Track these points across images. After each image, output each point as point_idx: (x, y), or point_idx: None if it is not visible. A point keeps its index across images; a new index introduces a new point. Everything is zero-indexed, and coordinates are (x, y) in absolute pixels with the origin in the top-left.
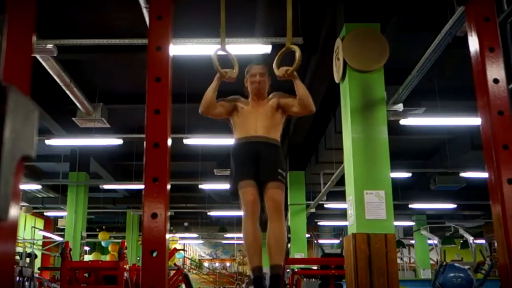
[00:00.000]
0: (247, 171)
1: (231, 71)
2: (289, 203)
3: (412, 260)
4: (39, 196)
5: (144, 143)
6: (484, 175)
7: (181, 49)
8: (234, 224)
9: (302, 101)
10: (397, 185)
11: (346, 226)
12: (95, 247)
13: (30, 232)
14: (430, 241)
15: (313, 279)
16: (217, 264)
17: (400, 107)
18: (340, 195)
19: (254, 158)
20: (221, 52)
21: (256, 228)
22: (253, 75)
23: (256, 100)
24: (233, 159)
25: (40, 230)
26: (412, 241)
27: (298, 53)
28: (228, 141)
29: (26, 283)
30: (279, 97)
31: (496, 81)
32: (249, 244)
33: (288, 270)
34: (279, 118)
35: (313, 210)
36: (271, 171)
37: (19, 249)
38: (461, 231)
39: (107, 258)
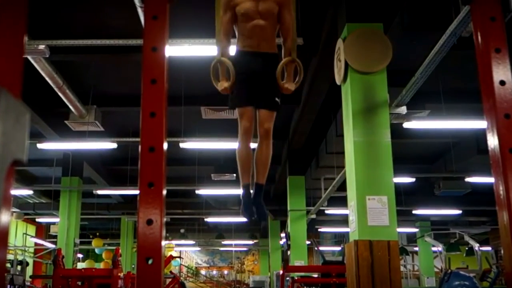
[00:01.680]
0: (247, 97)
1: (225, 83)
2: (288, 209)
3: (415, 268)
4: (31, 201)
5: (139, 147)
6: (490, 180)
7: (177, 50)
8: (231, 231)
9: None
10: (400, 190)
11: (347, 232)
12: (89, 255)
13: (21, 239)
14: (434, 248)
15: None
16: (214, 272)
17: (403, 109)
18: (341, 201)
19: (253, 75)
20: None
21: (249, 149)
22: None
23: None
24: (235, 70)
25: (32, 236)
26: (416, 248)
27: (301, 73)
28: (226, 145)
29: None
30: (281, 2)
31: (502, 83)
32: (242, 163)
33: (287, 278)
34: (276, 20)
35: (313, 216)
36: (268, 101)
37: (10, 257)
38: (467, 238)
39: (101, 265)
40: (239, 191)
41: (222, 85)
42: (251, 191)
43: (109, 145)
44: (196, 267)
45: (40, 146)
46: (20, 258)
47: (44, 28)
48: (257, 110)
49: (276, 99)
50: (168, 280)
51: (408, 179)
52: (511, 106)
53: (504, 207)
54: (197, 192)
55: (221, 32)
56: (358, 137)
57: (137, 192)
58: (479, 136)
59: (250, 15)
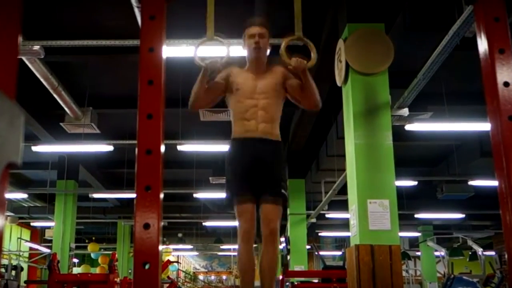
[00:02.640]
0: (244, 187)
1: (213, 60)
2: (288, 212)
3: (418, 273)
4: (25, 205)
5: (136, 149)
6: (494, 183)
7: (174, 50)
8: (230, 235)
9: (311, 95)
10: (402, 193)
11: (348, 237)
12: (84, 259)
13: (15, 243)
14: (437, 253)
15: None
16: (212, 277)
17: (405, 111)
18: (342, 205)
19: (253, 166)
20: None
21: (250, 256)
22: (252, 36)
23: (255, 69)
24: (230, 163)
25: (26, 241)
26: (418, 253)
27: (313, 51)
28: (224, 148)
29: None
30: (285, 74)
31: (506, 84)
32: (243, 273)
33: (287, 284)
34: (281, 97)
35: (313, 220)
36: (271, 189)
37: (4, 262)
38: (470, 242)
39: (97, 270)
40: None
41: (211, 63)
42: None
43: (105, 147)
44: (194, 272)
45: (35, 148)
46: (14, 263)
47: (39, 28)
48: (259, 201)
49: (282, 191)
50: (165, 286)
51: (410, 183)
52: None
53: (508, 211)
54: (195, 195)
55: (202, 85)
56: (359, 139)
57: (134, 195)
58: (483, 139)
59: (246, 93)
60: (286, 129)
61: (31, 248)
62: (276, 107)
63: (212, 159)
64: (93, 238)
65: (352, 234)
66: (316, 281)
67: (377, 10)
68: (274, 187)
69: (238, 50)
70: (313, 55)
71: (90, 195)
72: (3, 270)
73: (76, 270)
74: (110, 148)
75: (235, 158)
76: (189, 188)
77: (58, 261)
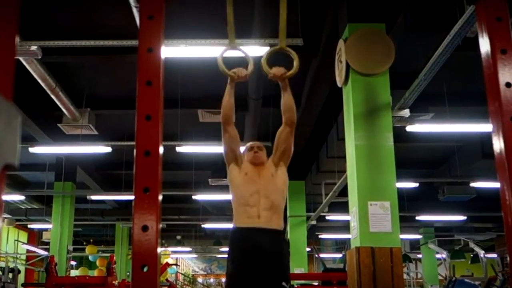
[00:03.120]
0: (247, 282)
1: (240, 69)
2: (288, 215)
3: (419, 276)
4: (23, 207)
5: (134, 151)
6: (496, 185)
7: (173, 50)
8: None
9: (287, 109)
10: (403, 195)
11: (349, 239)
12: (82, 262)
13: (13, 245)
14: (438, 255)
15: None
16: (211, 280)
17: (406, 112)
18: (342, 207)
19: (256, 260)
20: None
21: None
22: (251, 148)
23: (256, 166)
24: (232, 256)
25: (24, 243)
26: (419, 255)
27: (296, 60)
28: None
29: None
30: (271, 158)
31: (508, 85)
32: None
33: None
34: (282, 177)
35: (314, 222)
36: (273, 285)
37: (1, 264)
38: (471, 245)
39: (95, 273)
40: None
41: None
42: None
43: (103, 149)
44: (193, 275)
45: (32, 150)
46: (11, 265)
47: (36, 29)
48: None
49: (284, 284)
50: None
51: (411, 184)
52: None
53: (510, 213)
54: (194, 197)
55: (231, 97)
56: (359, 140)
57: (132, 197)
58: (484, 140)
59: (251, 178)
60: None
61: (28, 251)
62: (278, 193)
63: (211, 160)
64: (91, 240)
65: (353, 236)
66: (316, 283)
67: (378, 10)
68: (276, 281)
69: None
70: (295, 63)
71: (88, 197)
72: (0, 272)
73: (74, 273)
74: (108, 149)
75: (237, 250)
76: (188, 190)
77: (56, 264)
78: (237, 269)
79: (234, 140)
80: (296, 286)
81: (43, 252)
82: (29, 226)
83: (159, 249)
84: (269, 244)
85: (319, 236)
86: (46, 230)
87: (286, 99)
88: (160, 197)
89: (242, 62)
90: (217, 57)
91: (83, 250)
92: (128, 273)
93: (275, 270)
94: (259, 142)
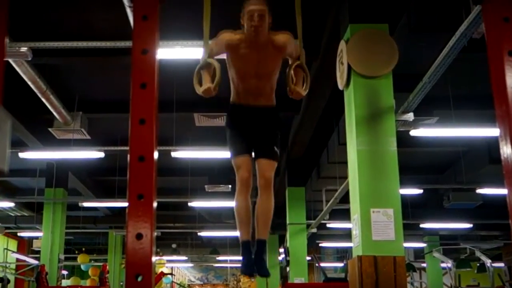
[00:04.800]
0: (242, 147)
1: (208, 89)
2: (287, 222)
3: (423, 286)
4: (12, 214)
5: (128, 156)
6: (503, 191)
7: (168, 52)
8: (227, 245)
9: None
10: (407, 202)
11: (350, 247)
12: (74, 271)
13: (2, 254)
14: (443, 264)
15: None
16: None
17: (410, 116)
18: (344, 214)
19: (250, 129)
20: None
21: (247, 203)
22: (251, 12)
23: (254, 41)
24: (229, 127)
25: (13, 252)
26: (424, 264)
27: (308, 74)
28: (220, 154)
29: None
30: (286, 43)
31: None
32: (240, 218)
33: None
34: (278, 63)
35: (314, 230)
36: (266, 150)
37: None
38: (478, 253)
39: (87, 283)
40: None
41: (205, 85)
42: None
43: (96, 154)
44: (189, 285)
45: (22, 155)
46: (1, 275)
47: (26, 29)
48: (255, 158)
49: (275, 148)
50: None
51: (415, 191)
52: None
53: None
54: (189, 204)
55: (210, 47)
56: (362, 145)
57: (125, 204)
58: (491, 145)
59: (247, 68)
60: (285, 135)
61: (18, 260)
62: (274, 77)
63: (208, 166)
64: (83, 249)
65: (355, 244)
66: None
67: (381, 10)
68: (269, 145)
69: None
70: (306, 82)
71: (80, 204)
72: None
73: (65, 283)
74: (101, 154)
75: (232, 121)
76: (183, 197)
77: (47, 273)
78: (233, 134)
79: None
80: None
81: (34, 261)
82: (19, 234)
83: (154, 258)
84: (263, 116)
85: (320, 245)
86: (36, 238)
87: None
88: (155, 204)
89: None
90: (194, 72)
91: (75, 259)
92: (121, 283)
93: (269, 137)
94: (260, 4)
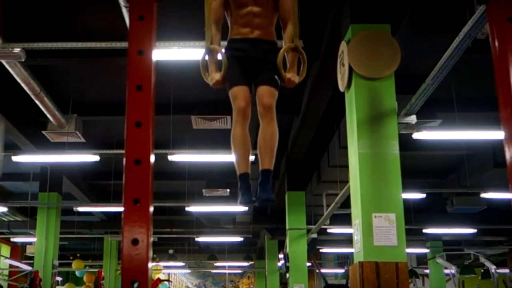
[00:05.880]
0: (239, 77)
1: (217, 80)
2: (287, 227)
3: None
4: (5, 219)
5: (124, 159)
6: (508, 196)
7: (165, 53)
8: (225, 251)
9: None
10: (409, 207)
11: (351, 253)
12: (69, 277)
13: None
14: (446, 271)
15: None
16: None
17: (413, 119)
18: (345, 219)
19: (249, 60)
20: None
21: (245, 132)
22: None
23: None
24: (227, 57)
25: (6, 258)
26: (427, 271)
27: (304, 63)
28: (218, 158)
29: None
30: None
31: None
32: (237, 147)
33: None
34: (273, 5)
35: (314, 235)
36: (266, 78)
37: None
38: (482, 259)
39: None
40: (233, 208)
41: (213, 78)
42: (251, 183)
43: (90, 157)
44: None
45: (15, 158)
46: None
47: (19, 30)
48: (255, 87)
49: (275, 77)
50: None
51: (418, 195)
52: None
53: None
54: (187, 209)
55: (211, 18)
56: (363, 149)
57: (121, 209)
58: (496, 148)
59: (243, 1)
60: (285, 138)
61: (11, 266)
62: (270, 13)
63: (206, 170)
64: (78, 254)
65: (356, 250)
66: None
67: (383, 10)
68: (268, 73)
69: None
70: (304, 68)
71: (74, 209)
72: None
73: None
74: (96, 158)
75: (231, 54)
76: (180, 201)
77: (41, 280)
78: (231, 62)
79: (221, 15)
80: None
81: (27, 267)
82: (12, 239)
83: (150, 264)
84: (263, 51)
85: (320, 250)
86: (30, 243)
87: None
88: (151, 209)
89: None
90: (200, 61)
91: (69, 265)
92: None
93: (268, 67)
94: None
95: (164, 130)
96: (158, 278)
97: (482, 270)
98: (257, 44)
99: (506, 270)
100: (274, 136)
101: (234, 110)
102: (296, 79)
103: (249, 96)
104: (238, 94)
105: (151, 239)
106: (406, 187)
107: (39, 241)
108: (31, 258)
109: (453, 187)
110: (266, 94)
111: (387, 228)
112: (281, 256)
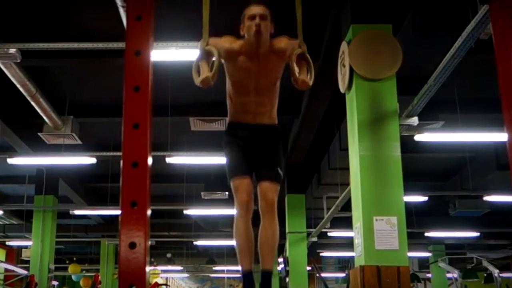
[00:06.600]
0: (241, 168)
1: (207, 78)
2: (287, 231)
3: None
4: (0, 223)
5: (121, 162)
6: None
7: (163, 54)
8: (223, 255)
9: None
10: (411, 210)
11: (352, 257)
12: (65, 282)
13: None
14: (449, 275)
15: None
16: None
17: (415, 120)
18: (346, 222)
19: (250, 149)
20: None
21: (248, 228)
22: (252, 17)
23: (255, 50)
24: (227, 146)
25: (1, 262)
26: (429, 275)
27: (311, 64)
28: (217, 160)
29: None
30: (287, 44)
31: None
32: (241, 246)
33: None
34: (279, 71)
35: (315, 239)
36: (268, 172)
37: None
38: (485, 263)
39: None
40: (232, 211)
41: (203, 74)
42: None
43: (87, 160)
44: None
45: (10, 161)
46: None
47: (15, 30)
48: (257, 180)
49: (279, 170)
50: None
51: (420, 198)
52: None
53: None
54: (185, 212)
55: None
56: (364, 151)
57: (118, 212)
58: (499, 150)
59: (245, 76)
60: (284, 141)
61: (6, 270)
62: (275, 91)
63: (204, 172)
64: (74, 258)
65: (357, 254)
66: None
67: (384, 10)
68: (271, 165)
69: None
70: (310, 71)
71: (71, 212)
72: None
73: None
74: (92, 160)
75: (231, 140)
76: (179, 204)
77: (36, 284)
78: (231, 153)
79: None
80: None
81: (23, 271)
82: (7, 243)
83: (148, 268)
84: (266, 136)
85: (321, 254)
86: (25, 247)
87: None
88: (149, 212)
89: None
90: (193, 63)
91: (65, 269)
92: None
93: (270, 158)
94: (261, 6)
95: (162, 132)
96: (156, 283)
97: (485, 274)
98: (259, 132)
99: (510, 274)
100: (275, 236)
101: (236, 203)
102: (309, 81)
103: (251, 188)
104: (239, 187)
105: (149, 242)
106: (407, 189)
107: (35, 245)
108: (27, 262)
109: (456, 189)
110: (270, 190)
111: (389, 232)
112: (280, 260)
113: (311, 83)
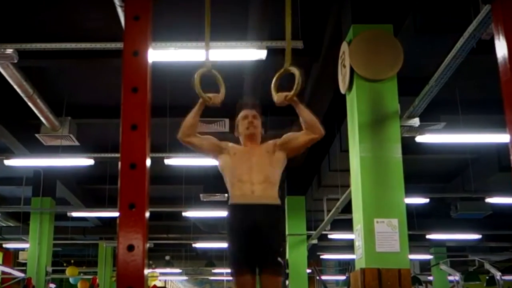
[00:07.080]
0: (245, 264)
1: (216, 95)
2: (287, 233)
3: None
4: None
5: (119, 163)
6: None
7: (161, 54)
8: (223, 258)
9: (310, 126)
10: (412, 212)
11: (353, 260)
12: (62, 284)
13: None
14: (450, 278)
15: None
16: None
17: (416, 121)
18: (346, 224)
19: (252, 236)
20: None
21: None
22: (245, 117)
23: (250, 145)
24: (229, 233)
25: None
26: (430, 278)
27: (297, 77)
28: (216, 161)
29: None
30: (275, 141)
31: None
32: None
33: None
34: (277, 159)
35: (315, 241)
36: (270, 264)
37: None
38: (487, 266)
39: None
40: None
41: (211, 99)
42: None
43: (85, 161)
44: None
45: (7, 162)
46: None
47: (12, 30)
48: (259, 278)
49: (279, 259)
50: None
51: (421, 200)
52: None
53: None
54: (184, 214)
55: (196, 117)
56: (365, 152)
57: (116, 214)
58: (501, 152)
59: (243, 158)
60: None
61: (3, 272)
62: (272, 169)
63: (203, 174)
64: (72, 261)
65: (357, 256)
66: None
67: (385, 10)
68: (272, 256)
69: (231, 54)
70: (297, 80)
71: (68, 214)
72: None
73: None
74: (90, 162)
75: (232, 229)
76: (177, 206)
77: (34, 287)
78: (233, 246)
79: (205, 144)
80: None
81: (20, 274)
82: (4, 245)
83: (146, 271)
84: (264, 222)
85: (321, 257)
86: (22, 249)
87: (304, 117)
88: (147, 214)
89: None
90: (195, 76)
91: (63, 271)
92: None
93: (271, 249)
94: (252, 110)
95: (160, 133)
96: (154, 285)
97: (487, 277)
98: (260, 213)
99: None
100: None
101: None
102: (291, 95)
103: (253, 280)
104: (241, 282)
105: (147, 245)
106: (409, 191)
107: (32, 247)
108: (24, 264)
109: (457, 191)
110: (271, 286)
111: (390, 234)
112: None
113: (294, 96)
